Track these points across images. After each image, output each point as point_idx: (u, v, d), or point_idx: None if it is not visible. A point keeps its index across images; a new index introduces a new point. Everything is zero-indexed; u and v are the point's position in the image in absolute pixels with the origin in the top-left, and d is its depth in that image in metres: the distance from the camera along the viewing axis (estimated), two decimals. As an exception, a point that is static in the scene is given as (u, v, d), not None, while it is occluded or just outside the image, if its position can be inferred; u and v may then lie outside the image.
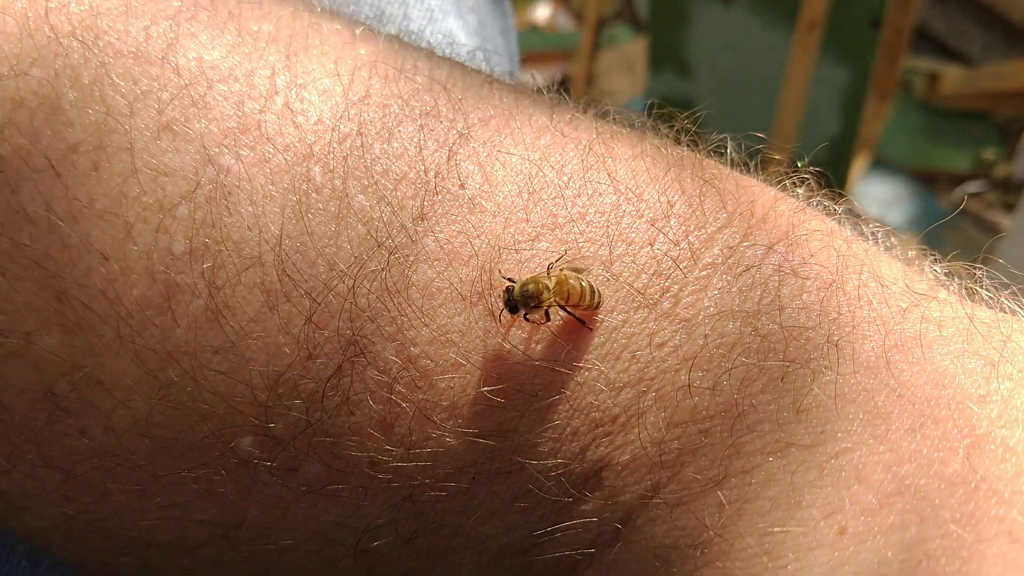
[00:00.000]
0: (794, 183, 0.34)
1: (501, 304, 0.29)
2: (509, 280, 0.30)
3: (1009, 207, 2.16)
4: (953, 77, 2.33)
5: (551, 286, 0.29)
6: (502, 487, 0.30)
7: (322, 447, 0.29)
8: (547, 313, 0.30)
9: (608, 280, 0.30)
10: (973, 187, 2.27)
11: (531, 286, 0.29)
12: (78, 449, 0.30)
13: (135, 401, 0.29)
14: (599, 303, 0.30)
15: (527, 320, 0.30)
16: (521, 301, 0.29)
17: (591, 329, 0.30)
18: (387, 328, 0.29)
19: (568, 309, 0.30)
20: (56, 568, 0.43)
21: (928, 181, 2.31)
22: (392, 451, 0.29)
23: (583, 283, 0.29)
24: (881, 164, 2.28)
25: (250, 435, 0.29)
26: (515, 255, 0.30)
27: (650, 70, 2.20)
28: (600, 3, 2.39)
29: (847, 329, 0.29)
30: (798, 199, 0.33)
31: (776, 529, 0.27)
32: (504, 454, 0.30)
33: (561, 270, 0.30)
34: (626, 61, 2.54)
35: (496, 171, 0.31)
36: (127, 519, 0.31)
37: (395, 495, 0.30)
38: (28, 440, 0.30)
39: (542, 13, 2.89)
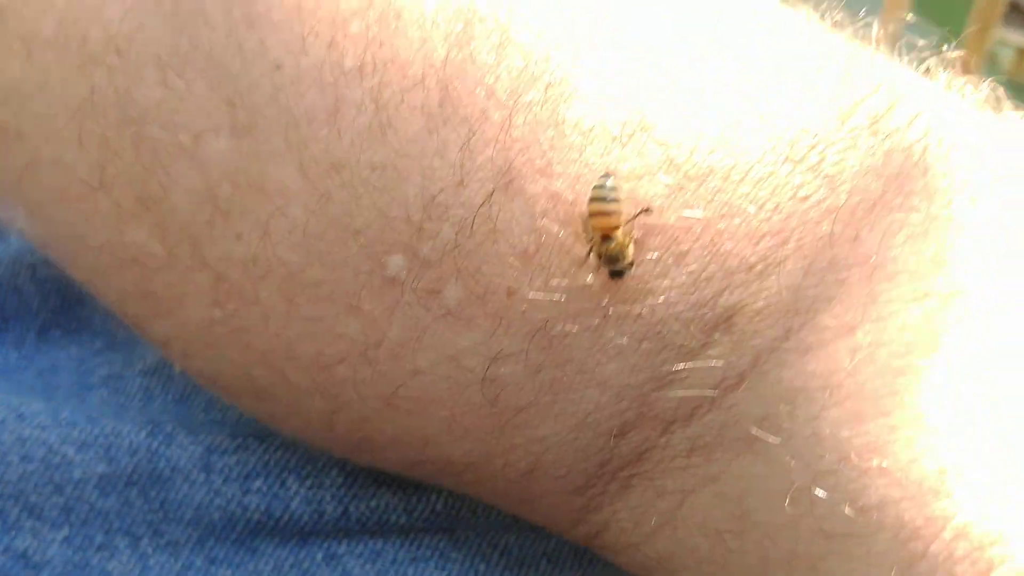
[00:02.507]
0: (936, 66, 0.34)
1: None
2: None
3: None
4: (1043, 53, 2.25)
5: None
6: (631, 327, 0.31)
7: (466, 271, 0.30)
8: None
9: (757, 131, 0.30)
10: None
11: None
12: (233, 253, 0.31)
13: (293, 209, 0.30)
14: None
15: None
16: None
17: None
18: (538, 160, 0.30)
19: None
20: (168, 404, 0.46)
21: (1006, 159, 2.24)
22: (531, 281, 0.30)
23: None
24: (958, 139, 2.21)
25: (400, 253, 0.30)
26: (670, 98, 0.30)
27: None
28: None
29: (991, 196, 0.29)
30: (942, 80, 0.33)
31: (911, 369, 0.27)
32: (636, 296, 0.30)
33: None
34: None
35: (656, 21, 0.31)
36: (271, 328, 0.32)
37: (527, 325, 0.31)
38: (186, 240, 0.31)
39: None
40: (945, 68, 0.34)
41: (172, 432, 0.41)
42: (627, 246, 0.30)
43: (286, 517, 0.41)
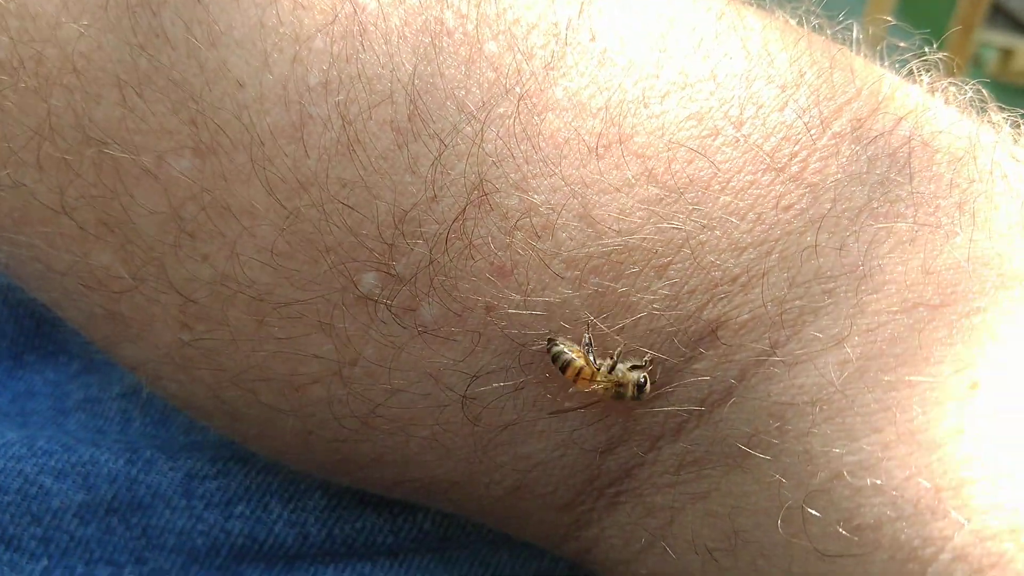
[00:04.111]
0: (919, 69, 0.33)
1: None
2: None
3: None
4: (1027, 54, 2.26)
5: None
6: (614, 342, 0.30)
7: (441, 289, 0.29)
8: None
9: (737, 141, 0.30)
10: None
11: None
12: (200, 274, 0.30)
13: (261, 229, 0.29)
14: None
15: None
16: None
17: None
18: (512, 175, 0.29)
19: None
20: (147, 427, 0.45)
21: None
22: (509, 297, 0.29)
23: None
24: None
25: (373, 271, 0.29)
26: (644, 110, 0.30)
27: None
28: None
29: (980, 199, 0.28)
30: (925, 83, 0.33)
31: (902, 383, 0.27)
32: (619, 310, 0.30)
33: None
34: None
35: (628, 27, 0.30)
36: (242, 349, 0.31)
37: (508, 342, 0.30)
38: (152, 262, 0.30)
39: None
40: (928, 70, 0.33)
41: (151, 458, 0.40)
42: (618, 377, 0.30)
43: (270, 541, 0.40)
